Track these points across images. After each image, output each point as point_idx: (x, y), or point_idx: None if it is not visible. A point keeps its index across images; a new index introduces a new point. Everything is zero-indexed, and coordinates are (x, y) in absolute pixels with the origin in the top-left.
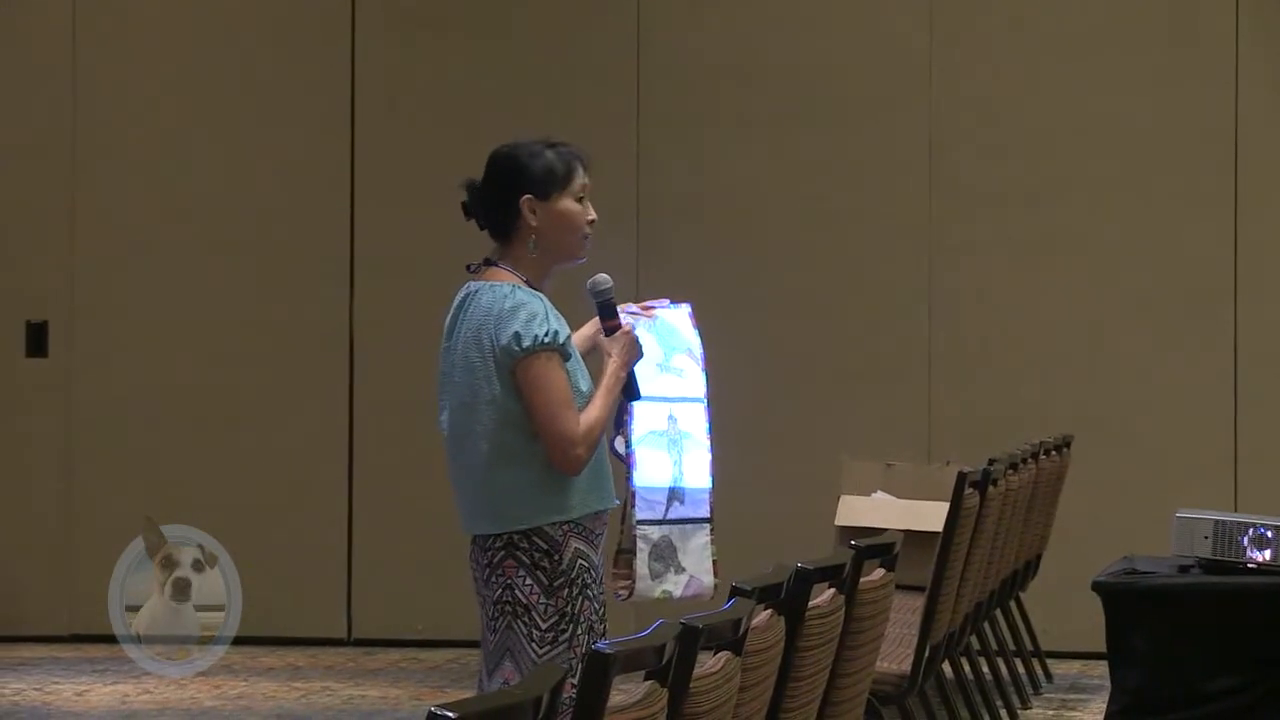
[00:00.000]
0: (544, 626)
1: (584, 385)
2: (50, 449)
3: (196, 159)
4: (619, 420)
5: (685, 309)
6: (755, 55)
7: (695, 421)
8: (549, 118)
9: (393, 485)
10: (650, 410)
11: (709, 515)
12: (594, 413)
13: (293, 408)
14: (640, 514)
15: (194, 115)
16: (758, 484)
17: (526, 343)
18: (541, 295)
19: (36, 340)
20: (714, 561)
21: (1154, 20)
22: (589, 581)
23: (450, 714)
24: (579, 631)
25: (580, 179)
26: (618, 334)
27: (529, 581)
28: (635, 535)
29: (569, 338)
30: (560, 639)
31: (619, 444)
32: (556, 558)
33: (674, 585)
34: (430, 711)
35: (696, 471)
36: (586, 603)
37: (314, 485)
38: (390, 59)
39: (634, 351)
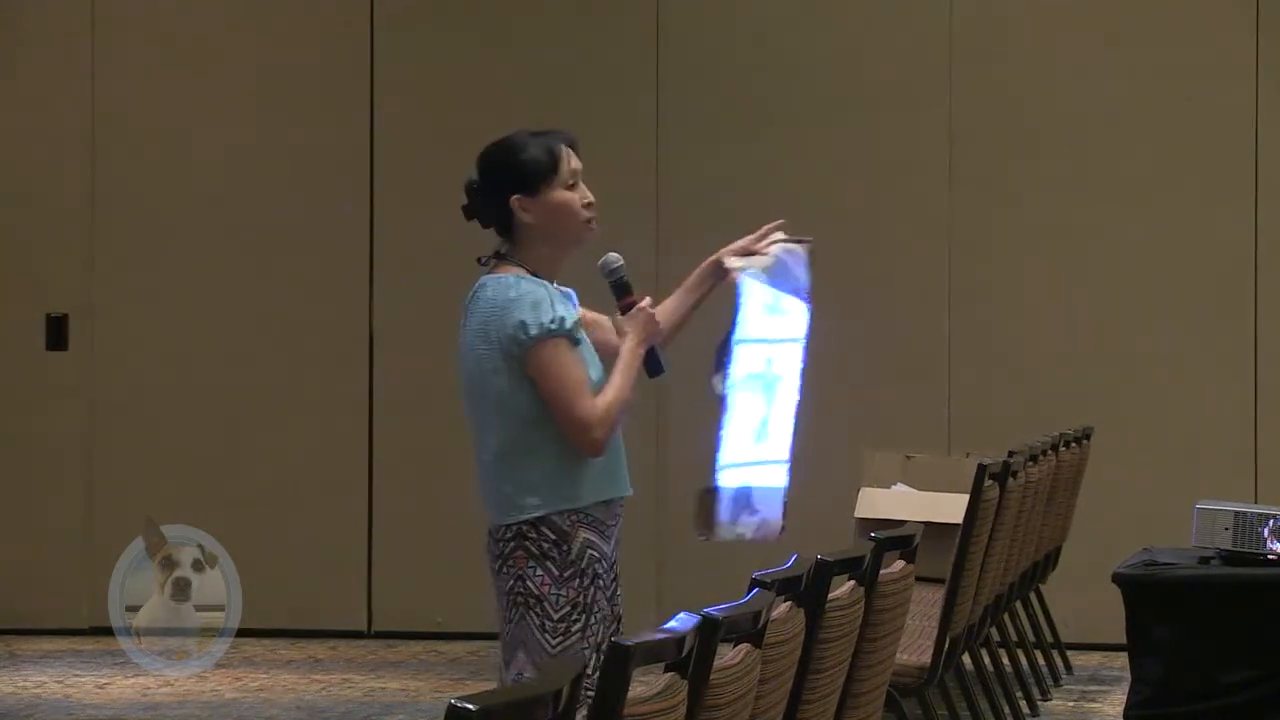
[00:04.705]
0: (556, 617)
1: (594, 374)
2: (70, 441)
3: (216, 153)
4: (720, 360)
5: (803, 250)
6: (774, 50)
7: (790, 362)
8: (569, 113)
9: (413, 478)
10: (752, 352)
11: (788, 457)
12: (611, 393)
13: (313, 402)
14: (726, 455)
15: (213, 109)
16: None
17: (534, 331)
18: (546, 283)
19: (56, 334)
20: (784, 504)
21: (1175, 12)
22: (600, 572)
23: (471, 706)
24: (592, 622)
25: (567, 164)
26: (633, 311)
27: (539, 572)
28: (719, 475)
29: (577, 323)
30: (573, 630)
31: (716, 383)
32: (565, 548)
33: (747, 528)
34: (451, 704)
35: (782, 414)
36: (599, 593)
37: (334, 478)
38: (410, 54)
39: (651, 328)
